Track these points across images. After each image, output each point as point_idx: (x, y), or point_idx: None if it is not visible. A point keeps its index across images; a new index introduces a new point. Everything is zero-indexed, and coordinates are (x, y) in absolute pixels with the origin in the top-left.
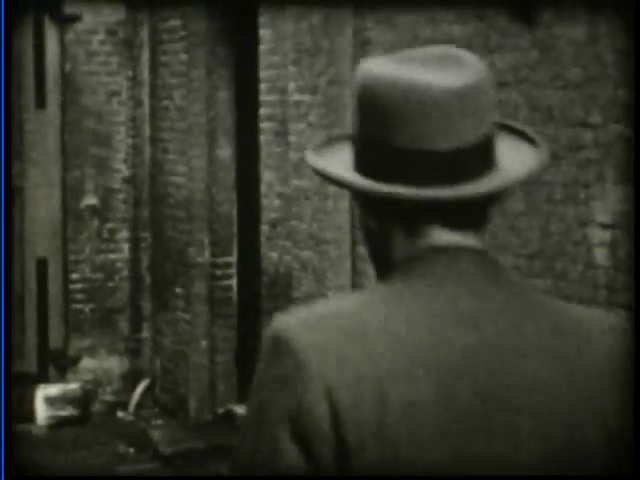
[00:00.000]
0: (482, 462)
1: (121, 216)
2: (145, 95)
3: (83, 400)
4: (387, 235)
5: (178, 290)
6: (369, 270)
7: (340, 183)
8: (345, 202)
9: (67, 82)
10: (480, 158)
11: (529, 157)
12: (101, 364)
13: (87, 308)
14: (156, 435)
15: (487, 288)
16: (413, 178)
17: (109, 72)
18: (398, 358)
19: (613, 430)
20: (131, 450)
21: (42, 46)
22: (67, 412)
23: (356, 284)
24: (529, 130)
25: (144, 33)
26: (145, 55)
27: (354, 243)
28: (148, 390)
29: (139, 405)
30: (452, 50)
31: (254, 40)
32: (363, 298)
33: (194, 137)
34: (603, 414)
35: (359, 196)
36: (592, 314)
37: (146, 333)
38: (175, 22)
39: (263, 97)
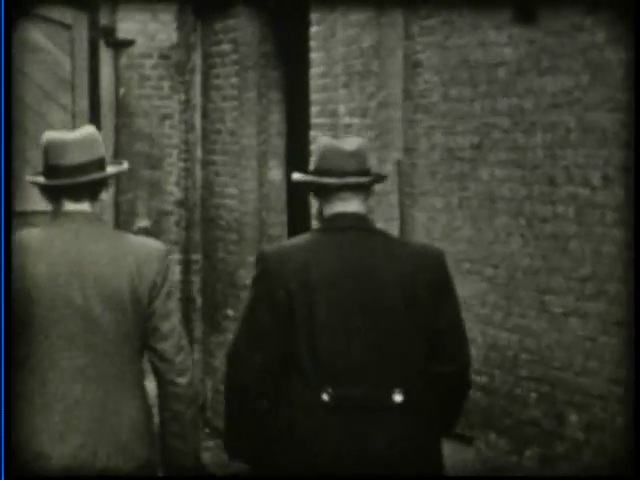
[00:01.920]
0: None
1: (173, 238)
2: (197, 118)
3: None
4: (53, 205)
5: (229, 312)
6: None
7: (32, 182)
8: (395, 224)
9: (121, 106)
10: (88, 168)
11: (119, 167)
12: (153, 385)
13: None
14: (207, 457)
15: (96, 235)
16: (55, 177)
17: (162, 96)
18: (50, 260)
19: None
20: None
21: (97, 70)
22: None
23: None
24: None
25: (196, 57)
26: (197, 79)
27: None
28: (199, 412)
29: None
30: (87, 129)
31: (305, 63)
32: (51, 230)
33: (245, 160)
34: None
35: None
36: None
37: (197, 355)
38: (227, 46)
39: (314, 120)
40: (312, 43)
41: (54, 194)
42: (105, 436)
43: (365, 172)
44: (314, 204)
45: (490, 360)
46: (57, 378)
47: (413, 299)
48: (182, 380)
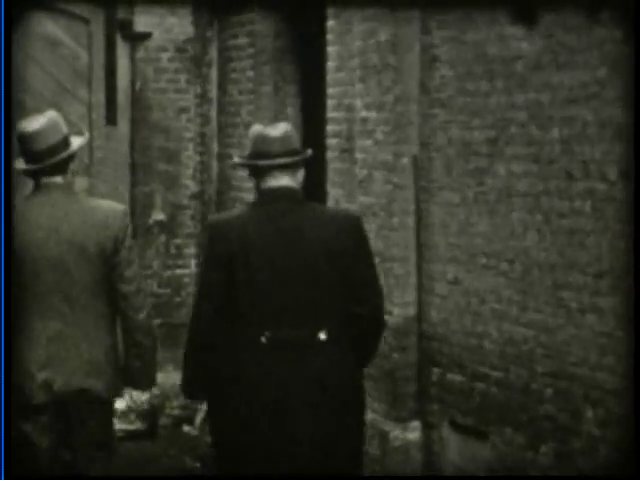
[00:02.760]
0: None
1: (188, 232)
2: (213, 112)
3: (150, 414)
4: (34, 180)
5: None
6: (436, 287)
7: (17, 169)
8: (411, 219)
9: (137, 99)
10: (56, 149)
11: (80, 141)
12: (168, 378)
13: (154, 323)
14: None
15: (68, 201)
16: (31, 161)
17: (178, 89)
18: (33, 224)
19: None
20: (197, 465)
21: (113, 63)
22: (134, 426)
23: (422, 302)
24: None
25: (213, 50)
26: (213, 72)
27: (420, 260)
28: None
29: (205, 420)
30: (48, 114)
31: (321, 57)
32: (33, 200)
33: None
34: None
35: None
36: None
37: None
38: (243, 40)
39: (330, 114)
40: (328, 37)
41: (32, 173)
42: (81, 362)
43: (292, 152)
44: (331, 197)
45: (506, 355)
46: (38, 320)
47: (335, 255)
48: (140, 316)
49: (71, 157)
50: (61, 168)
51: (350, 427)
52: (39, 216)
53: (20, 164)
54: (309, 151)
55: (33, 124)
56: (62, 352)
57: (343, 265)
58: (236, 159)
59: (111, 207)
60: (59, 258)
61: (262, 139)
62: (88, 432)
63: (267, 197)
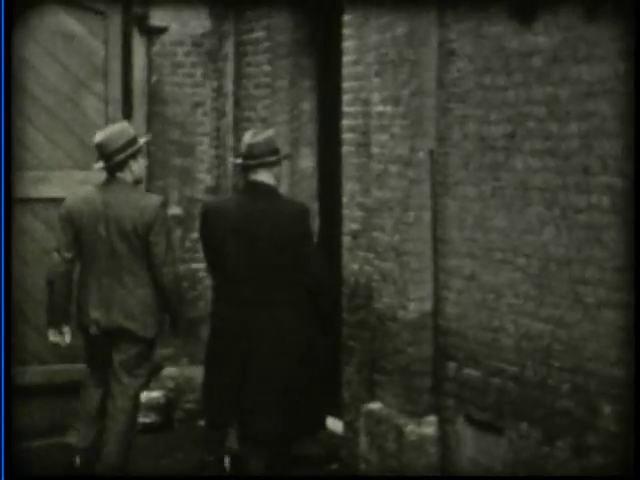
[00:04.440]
0: None
1: None
2: (229, 106)
3: (166, 408)
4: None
5: None
6: (452, 282)
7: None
8: (427, 213)
9: (153, 93)
10: (118, 151)
11: (141, 142)
12: (183, 372)
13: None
14: (235, 444)
15: (121, 192)
16: (103, 161)
17: (194, 83)
18: (90, 207)
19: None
20: (211, 459)
21: (130, 57)
22: (150, 419)
23: (438, 296)
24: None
25: (229, 45)
26: (229, 66)
27: (436, 255)
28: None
29: None
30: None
31: (338, 51)
32: (97, 189)
33: None
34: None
35: None
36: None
37: None
38: (259, 34)
39: (346, 108)
40: (345, 31)
41: (105, 170)
42: (120, 308)
43: (269, 154)
44: (346, 191)
45: (522, 350)
46: (93, 277)
47: (286, 236)
48: (166, 279)
49: (130, 156)
50: (120, 165)
51: (292, 356)
52: (95, 202)
53: (98, 165)
54: (285, 152)
55: (101, 134)
56: (108, 300)
57: (292, 244)
58: (231, 159)
59: (149, 199)
60: (106, 236)
61: (247, 144)
62: (127, 355)
63: (246, 188)
